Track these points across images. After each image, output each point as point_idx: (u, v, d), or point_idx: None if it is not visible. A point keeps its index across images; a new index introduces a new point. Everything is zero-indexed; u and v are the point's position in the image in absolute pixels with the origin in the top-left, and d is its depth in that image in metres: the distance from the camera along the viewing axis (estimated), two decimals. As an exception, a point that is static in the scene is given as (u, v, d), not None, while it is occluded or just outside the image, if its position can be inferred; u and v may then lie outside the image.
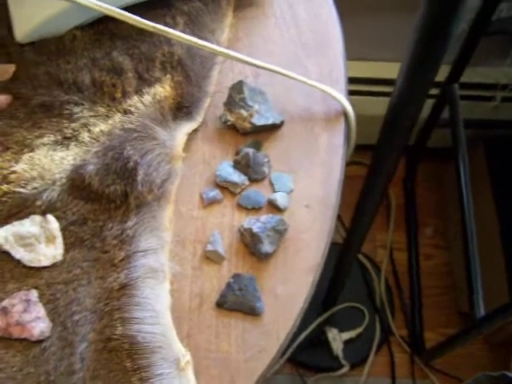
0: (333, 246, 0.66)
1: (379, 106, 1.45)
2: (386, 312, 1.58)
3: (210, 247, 0.61)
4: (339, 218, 1.65)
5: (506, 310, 1.03)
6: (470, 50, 1.27)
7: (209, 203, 0.64)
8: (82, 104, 0.66)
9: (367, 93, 1.46)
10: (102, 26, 0.72)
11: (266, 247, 0.60)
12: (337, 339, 1.50)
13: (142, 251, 0.59)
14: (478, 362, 1.54)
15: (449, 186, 1.70)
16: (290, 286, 0.60)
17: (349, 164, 0.71)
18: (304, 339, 1.50)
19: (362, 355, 1.54)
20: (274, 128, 0.68)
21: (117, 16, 0.62)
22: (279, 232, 0.61)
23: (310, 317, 1.53)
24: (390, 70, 1.42)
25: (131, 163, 0.60)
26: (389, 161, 0.78)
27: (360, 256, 1.64)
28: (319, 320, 1.53)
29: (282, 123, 0.68)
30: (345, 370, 1.49)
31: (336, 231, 1.63)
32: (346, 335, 1.51)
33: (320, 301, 1.53)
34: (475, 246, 1.18)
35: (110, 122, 0.65)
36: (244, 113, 0.66)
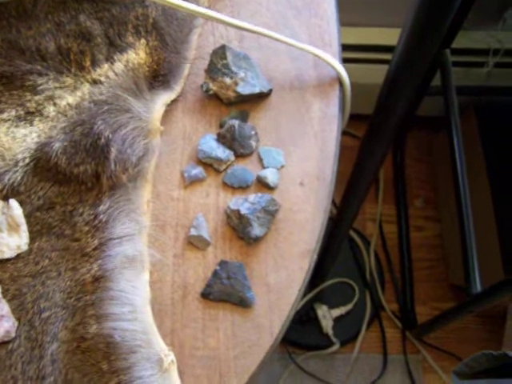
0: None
1: (371, 74, 1.39)
2: (377, 287, 1.54)
3: (193, 231, 0.55)
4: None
5: (504, 286, 0.99)
6: (463, 13, 1.20)
7: (191, 182, 0.57)
8: (47, 74, 0.59)
9: (358, 60, 1.39)
10: (66, -14, 0.64)
11: (256, 230, 0.54)
12: (326, 316, 1.45)
13: (117, 238, 0.53)
14: (471, 336, 1.51)
15: (439, 156, 1.65)
16: (282, 273, 0.54)
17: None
18: (293, 317, 1.45)
19: (353, 332, 1.50)
20: (261, 97, 0.61)
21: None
22: (270, 213, 0.55)
23: (298, 294, 1.48)
24: (383, 35, 1.35)
25: (102, 139, 0.53)
26: (386, 134, 0.72)
27: (348, 229, 1.59)
28: (308, 297, 1.48)
29: (270, 91, 0.62)
30: (335, 347, 1.45)
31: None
32: (336, 312, 1.47)
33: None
34: (470, 218, 1.13)
35: (78, 93, 0.58)
36: (228, 80, 0.59)
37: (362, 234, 1.61)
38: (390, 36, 1.36)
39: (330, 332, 1.46)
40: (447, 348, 1.49)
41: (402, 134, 1.67)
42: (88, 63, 0.59)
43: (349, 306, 1.49)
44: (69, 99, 0.57)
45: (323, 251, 1.28)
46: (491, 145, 1.41)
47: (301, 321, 1.48)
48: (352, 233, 1.59)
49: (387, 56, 1.39)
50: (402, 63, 0.61)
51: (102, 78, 0.57)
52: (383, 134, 0.73)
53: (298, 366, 1.46)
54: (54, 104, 0.57)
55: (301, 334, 1.48)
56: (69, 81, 0.58)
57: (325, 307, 1.47)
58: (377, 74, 1.29)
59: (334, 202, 1.60)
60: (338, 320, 1.48)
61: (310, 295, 1.49)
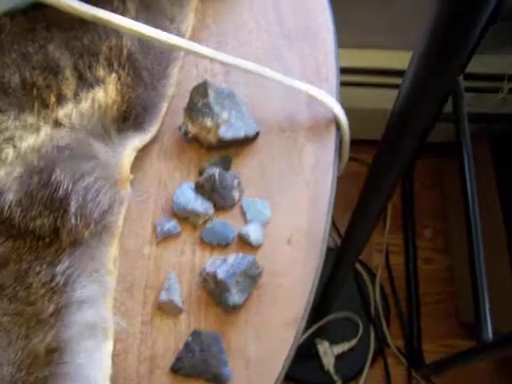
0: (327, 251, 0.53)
1: (372, 99, 1.32)
2: (382, 321, 1.46)
3: (163, 296, 0.48)
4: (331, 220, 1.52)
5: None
6: (478, 39, 1.13)
7: (164, 238, 0.51)
8: (7, 111, 0.53)
9: (360, 84, 1.33)
10: (37, 13, 0.58)
11: (235, 297, 0.47)
12: (328, 353, 1.38)
13: (76, 303, 0.46)
14: (483, 377, 1.42)
15: (449, 184, 1.57)
16: (264, 346, 0.47)
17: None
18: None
19: (356, 369, 1.42)
20: (246, 141, 0.54)
21: (47, 0, 0.49)
22: (251, 277, 0.48)
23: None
24: (385, 58, 1.29)
25: (61, 191, 0.46)
26: (396, 168, 0.64)
27: (353, 260, 1.51)
28: (309, 332, 1.41)
29: (256, 134, 0.55)
30: (337, 386, 1.38)
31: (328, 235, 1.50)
32: (338, 348, 1.39)
33: (310, 311, 1.40)
34: (481, 252, 1.05)
35: (40, 134, 0.51)
36: (208, 122, 0.52)
37: (367, 265, 1.53)
38: (395, 59, 1.30)
39: (332, 370, 1.38)
40: (456, 389, 1.41)
41: (411, 162, 1.60)
42: (53, 100, 0.53)
43: (352, 343, 1.40)
44: (29, 141, 0.51)
45: (326, 284, 1.20)
46: (505, 174, 1.34)
47: (301, 356, 1.41)
48: (357, 264, 1.51)
49: (395, 80, 1.33)
50: (414, 93, 0.54)
51: (65, 119, 0.51)
52: (392, 168, 0.66)
53: (298, 405, 1.38)
54: (14, 146, 0.51)
55: (301, 370, 1.40)
56: (30, 120, 0.52)
57: (326, 343, 1.39)
58: (379, 99, 1.22)
59: (338, 232, 1.53)
60: (340, 356, 1.40)
61: (311, 330, 1.41)
